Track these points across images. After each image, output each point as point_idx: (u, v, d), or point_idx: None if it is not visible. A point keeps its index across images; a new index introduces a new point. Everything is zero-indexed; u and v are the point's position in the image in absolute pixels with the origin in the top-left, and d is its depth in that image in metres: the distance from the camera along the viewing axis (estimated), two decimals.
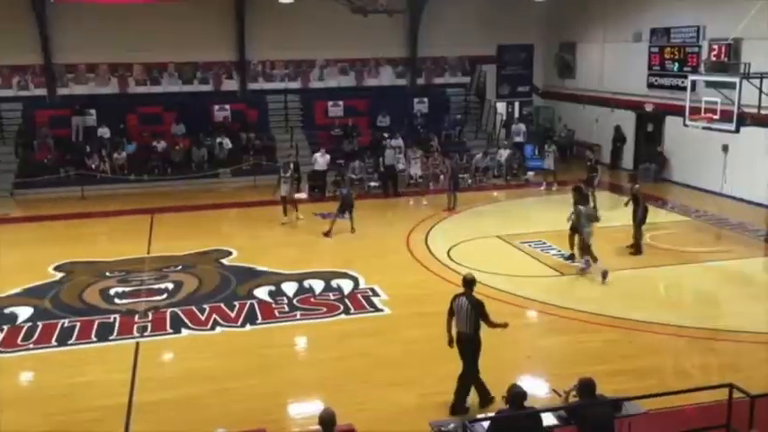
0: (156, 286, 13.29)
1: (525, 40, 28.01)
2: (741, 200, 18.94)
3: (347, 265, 14.24)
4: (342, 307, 12.19)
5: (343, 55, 26.29)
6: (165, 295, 12.83)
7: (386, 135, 24.28)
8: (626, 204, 15.39)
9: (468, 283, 8.61)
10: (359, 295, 12.71)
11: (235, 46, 25.29)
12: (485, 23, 26.34)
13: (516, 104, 28.91)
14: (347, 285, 13.18)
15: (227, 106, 25.08)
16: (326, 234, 16.39)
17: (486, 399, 8.50)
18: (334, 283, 13.31)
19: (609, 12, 24.37)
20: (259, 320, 11.67)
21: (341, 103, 25.79)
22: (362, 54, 26.43)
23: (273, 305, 12.29)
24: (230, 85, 25.76)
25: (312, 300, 12.56)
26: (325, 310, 12.07)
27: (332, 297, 12.65)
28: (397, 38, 26.57)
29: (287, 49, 25.35)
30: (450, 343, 8.67)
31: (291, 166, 18.47)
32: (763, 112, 14.53)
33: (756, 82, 14.19)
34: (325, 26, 24.64)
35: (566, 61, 27.35)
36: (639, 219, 14.79)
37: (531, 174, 23.59)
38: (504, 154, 23.59)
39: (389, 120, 25.39)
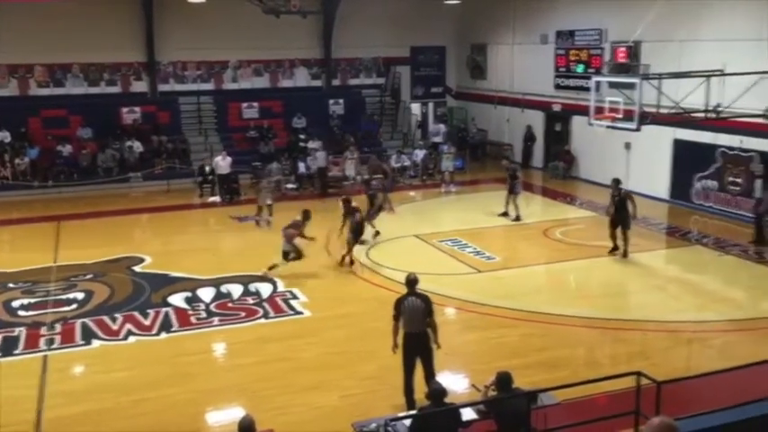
0: (64, 296, 12.72)
1: (438, 41, 28.48)
2: (643, 195, 19.82)
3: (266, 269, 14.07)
4: (261, 311, 12.03)
5: (256, 56, 25.99)
6: (74, 305, 12.29)
7: (302, 137, 24.19)
8: (610, 210, 14.73)
9: (413, 282, 8.58)
10: (278, 298, 12.58)
11: (143, 46, 24.54)
12: (398, 25, 26.62)
13: (431, 105, 29.33)
14: (266, 289, 13.02)
15: (137, 108, 24.30)
16: (349, 264, 14.45)
17: (410, 400, 8.54)
18: (252, 287, 13.12)
19: (517, 14, 25.06)
20: (175, 328, 11.36)
21: (256, 104, 25.46)
22: (277, 55, 26.19)
23: (190, 312, 11.99)
24: (139, 86, 24.98)
25: (230, 305, 12.33)
26: (243, 314, 11.87)
27: (250, 301, 12.46)
28: (312, 39, 26.48)
29: (199, 49, 24.80)
30: (395, 348, 8.52)
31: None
32: (662, 111, 15.26)
33: (655, 82, 14.89)
34: (237, 27, 24.29)
35: (477, 63, 27.96)
36: (629, 220, 14.45)
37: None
38: (419, 154, 23.89)
39: (305, 121, 25.28)
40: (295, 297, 12.62)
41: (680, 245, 15.91)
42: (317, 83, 27.15)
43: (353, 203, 14.90)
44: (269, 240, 16.45)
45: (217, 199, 20.59)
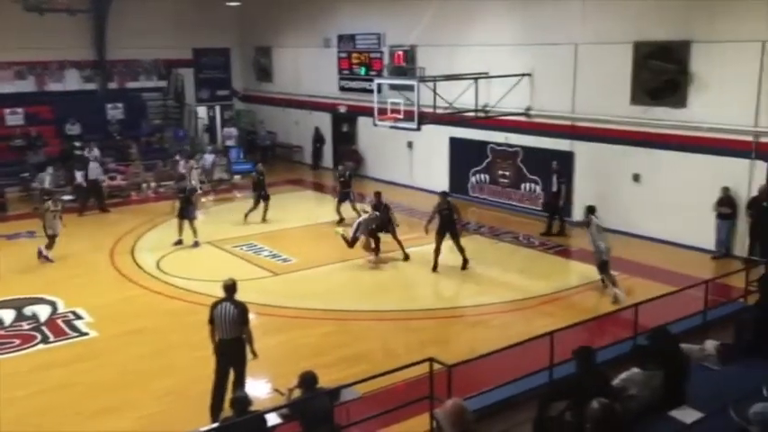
0: None
1: (221, 43, 27.93)
2: (425, 190, 21.02)
3: (43, 290, 12.91)
4: (39, 336, 11.04)
5: (18, 57, 23.61)
6: None
7: (77, 144, 22.49)
8: (431, 224, 14.22)
9: (230, 288, 8.40)
10: (59, 320, 11.62)
11: None
12: (178, 26, 25.71)
13: (217, 108, 28.71)
14: (44, 311, 11.97)
15: None
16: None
17: (217, 408, 8.34)
18: (27, 310, 12.00)
19: (300, 18, 25.31)
20: None
21: (20, 110, 23.17)
22: (43, 56, 24.01)
23: None
24: None
25: (1, 333, 11.16)
26: (18, 342, 10.81)
27: (26, 327, 11.39)
28: (83, 39, 24.67)
29: None
30: (216, 352, 8.39)
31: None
32: (438, 111, 16.33)
33: (431, 84, 15.89)
34: None
35: (263, 65, 27.88)
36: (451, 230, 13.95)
37: (237, 177, 23.74)
38: (208, 159, 23.28)
39: (80, 127, 23.47)
40: (79, 317, 11.73)
41: (461, 235, 17.04)
42: (92, 86, 25.36)
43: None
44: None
45: None
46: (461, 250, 14.01)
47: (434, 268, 13.99)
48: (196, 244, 15.74)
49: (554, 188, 16.36)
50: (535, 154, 17.98)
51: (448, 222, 13.96)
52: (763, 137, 13.70)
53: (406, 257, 14.73)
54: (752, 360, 7.30)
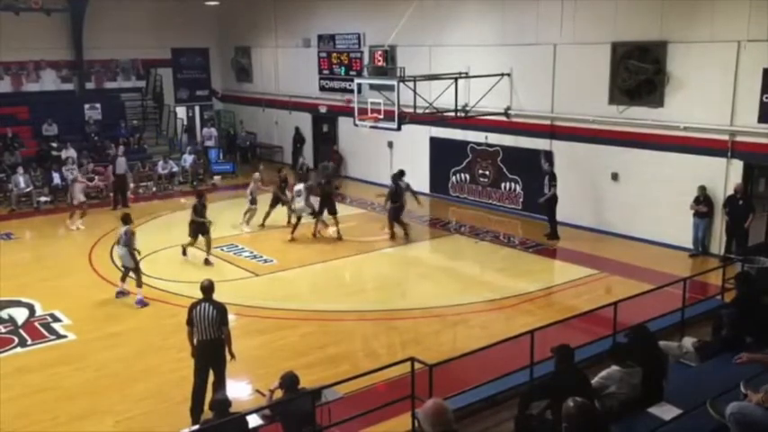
0: None
1: (200, 43, 27.78)
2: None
3: (20, 293, 12.74)
4: (16, 339, 10.89)
5: None
6: None
7: (53, 145, 22.27)
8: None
9: (208, 289, 8.34)
10: (36, 323, 11.47)
11: None
12: (157, 26, 25.53)
13: (197, 108, 28.53)
14: (21, 314, 11.82)
15: None
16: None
17: (197, 410, 8.29)
18: (4, 313, 11.84)
19: (278, 18, 25.24)
20: None
21: None
22: (19, 56, 23.69)
23: None
24: None
25: None
26: None
27: (2, 330, 11.24)
28: (60, 39, 24.40)
29: None
30: (194, 354, 8.35)
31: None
32: (418, 111, 16.36)
33: (411, 84, 15.92)
34: None
35: (242, 65, 27.74)
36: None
37: (217, 178, 23.63)
38: (188, 159, 23.14)
39: (57, 128, 23.22)
40: (57, 320, 11.59)
41: (441, 235, 17.13)
42: (69, 86, 25.07)
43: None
44: (19, 260, 15.00)
45: None
46: (397, 229, 16.12)
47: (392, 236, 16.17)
48: (207, 261, 14.65)
49: (547, 190, 16.00)
50: (515, 153, 18.06)
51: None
52: (738, 136, 13.87)
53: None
54: (729, 357, 7.39)
